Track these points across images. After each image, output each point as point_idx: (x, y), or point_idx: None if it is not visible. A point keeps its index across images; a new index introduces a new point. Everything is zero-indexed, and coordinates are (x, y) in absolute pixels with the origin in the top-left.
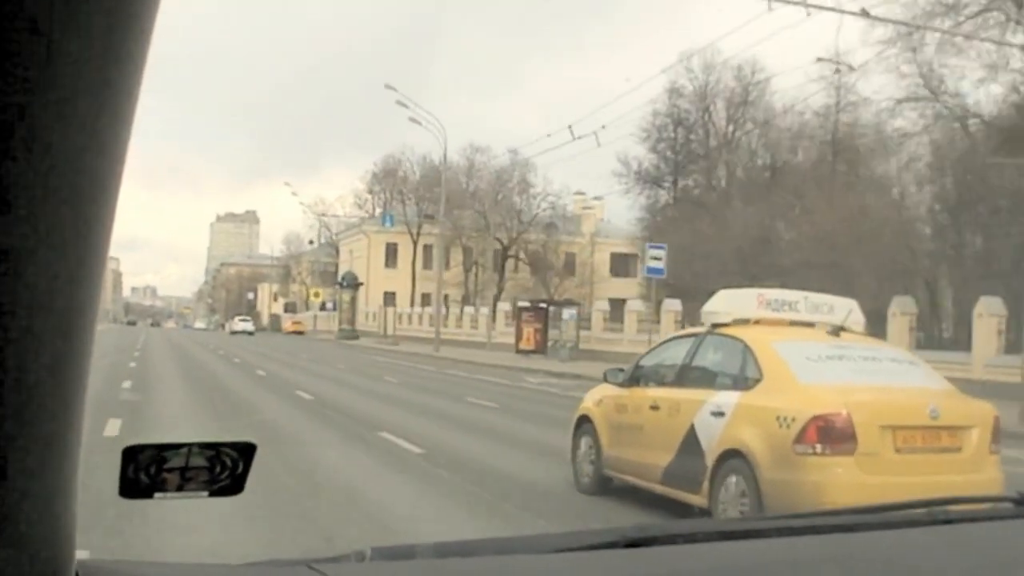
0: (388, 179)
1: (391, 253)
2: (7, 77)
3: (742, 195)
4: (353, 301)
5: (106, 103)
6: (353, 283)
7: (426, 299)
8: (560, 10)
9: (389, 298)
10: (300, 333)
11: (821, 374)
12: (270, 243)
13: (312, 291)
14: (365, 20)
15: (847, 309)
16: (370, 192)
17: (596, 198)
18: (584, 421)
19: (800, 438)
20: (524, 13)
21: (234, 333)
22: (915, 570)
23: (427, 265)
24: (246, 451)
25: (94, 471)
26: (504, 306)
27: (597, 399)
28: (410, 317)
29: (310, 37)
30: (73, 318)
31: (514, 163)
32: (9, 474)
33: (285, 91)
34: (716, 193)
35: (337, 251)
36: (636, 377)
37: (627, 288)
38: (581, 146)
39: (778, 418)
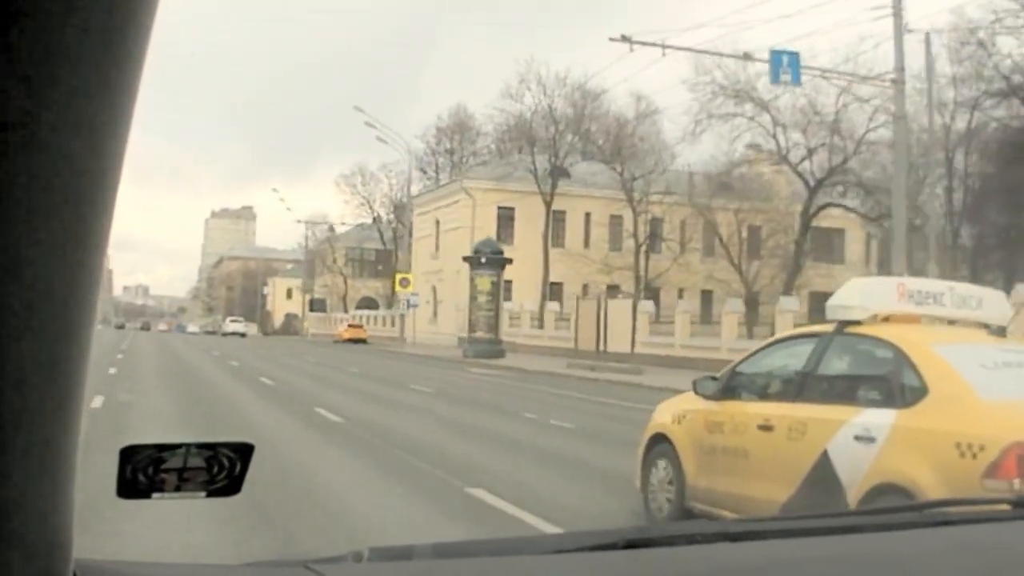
0: (458, 131)
1: (505, 221)
2: (6, 77)
3: None
4: (496, 290)
5: (105, 103)
6: (498, 259)
7: (554, 291)
8: (560, 11)
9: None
10: (361, 341)
11: (1005, 388)
12: (272, 236)
13: (399, 277)
14: (364, 20)
15: (1006, 303)
16: (433, 153)
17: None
18: (659, 441)
19: (993, 471)
20: (524, 14)
21: (225, 335)
22: (913, 572)
23: (557, 241)
24: (244, 451)
25: None
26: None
27: (677, 414)
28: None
29: (309, 37)
30: (72, 318)
31: (640, 114)
32: (7, 474)
33: (284, 91)
34: None
35: (407, 224)
36: (732, 388)
37: (833, 279)
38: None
39: (958, 445)
